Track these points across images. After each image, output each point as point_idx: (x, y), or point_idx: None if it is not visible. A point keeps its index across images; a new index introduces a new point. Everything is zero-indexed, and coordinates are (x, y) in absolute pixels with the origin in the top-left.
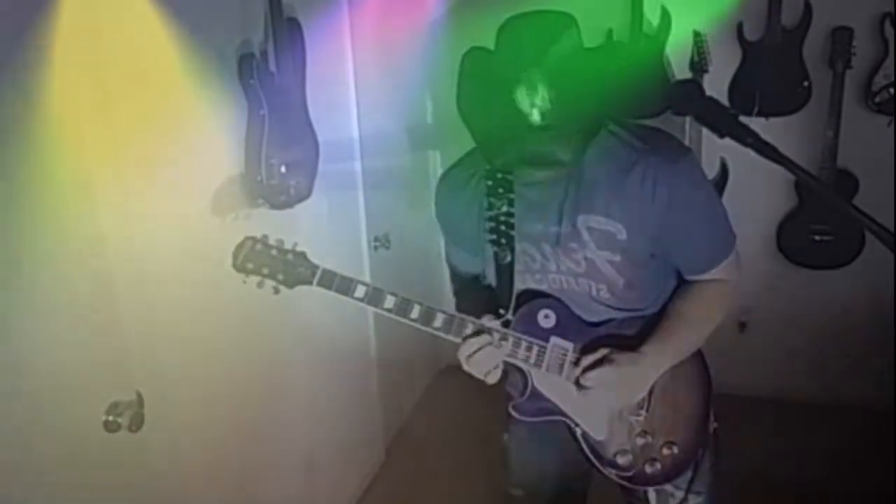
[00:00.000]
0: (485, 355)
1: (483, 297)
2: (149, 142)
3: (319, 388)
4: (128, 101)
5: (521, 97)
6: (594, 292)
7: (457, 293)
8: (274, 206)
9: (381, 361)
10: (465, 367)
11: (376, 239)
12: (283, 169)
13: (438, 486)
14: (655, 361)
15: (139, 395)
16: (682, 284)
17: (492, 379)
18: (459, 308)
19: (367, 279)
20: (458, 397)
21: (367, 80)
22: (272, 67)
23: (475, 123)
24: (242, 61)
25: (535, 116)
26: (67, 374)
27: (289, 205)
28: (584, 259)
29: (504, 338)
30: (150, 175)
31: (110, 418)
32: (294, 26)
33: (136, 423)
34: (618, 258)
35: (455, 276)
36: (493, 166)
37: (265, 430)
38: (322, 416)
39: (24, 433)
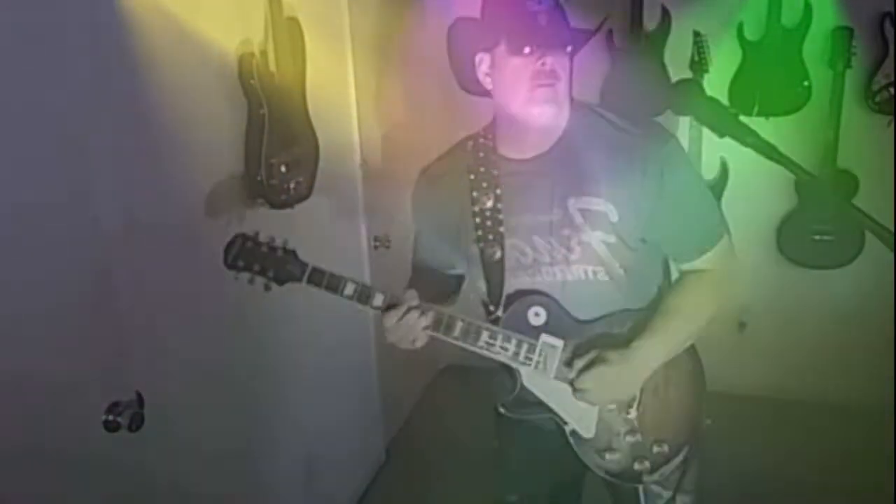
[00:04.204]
0: (407, 324)
1: (441, 286)
2: (149, 141)
3: (319, 388)
4: (128, 101)
5: None
6: (591, 276)
7: (414, 284)
8: (274, 206)
9: (381, 361)
10: (388, 339)
11: (376, 239)
12: (282, 168)
13: (438, 486)
14: (648, 357)
15: (139, 395)
16: (674, 282)
17: (418, 344)
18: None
19: (367, 279)
20: (458, 397)
21: (366, 80)
22: (272, 67)
23: None
24: (242, 61)
25: None
26: (68, 373)
27: (289, 204)
28: (578, 244)
29: (446, 319)
30: (150, 174)
31: (110, 418)
32: (294, 26)
33: (136, 423)
34: (612, 239)
35: (421, 269)
36: None
37: (265, 430)
38: (322, 417)
39: (24, 433)
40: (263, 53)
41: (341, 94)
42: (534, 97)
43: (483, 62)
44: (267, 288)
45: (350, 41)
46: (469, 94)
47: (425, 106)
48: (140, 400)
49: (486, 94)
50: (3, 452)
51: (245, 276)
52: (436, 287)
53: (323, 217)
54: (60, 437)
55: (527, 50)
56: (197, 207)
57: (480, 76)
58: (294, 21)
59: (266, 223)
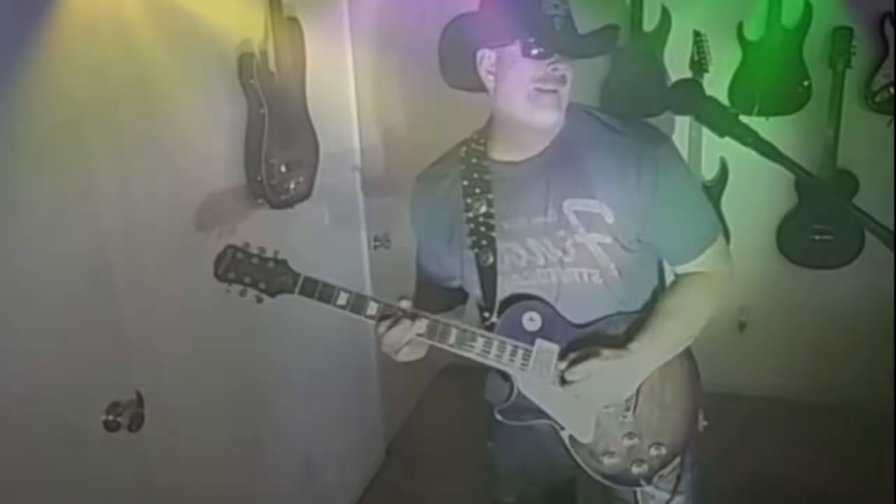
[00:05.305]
0: (400, 332)
1: (445, 299)
2: (149, 141)
3: (319, 388)
4: (128, 101)
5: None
6: (585, 279)
7: (417, 297)
8: (274, 206)
9: (380, 361)
10: (383, 348)
11: (376, 238)
12: (283, 168)
13: (438, 486)
14: (643, 358)
15: (139, 395)
16: (669, 285)
17: (415, 355)
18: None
19: (368, 278)
20: (458, 397)
21: (366, 80)
22: (272, 67)
23: None
24: (242, 61)
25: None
26: (67, 374)
27: (289, 204)
28: (573, 246)
29: (444, 329)
30: (151, 174)
31: (110, 418)
32: (294, 26)
33: (136, 423)
34: (608, 240)
35: (422, 278)
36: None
37: (265, 430)
38: (322, 417)
39: (24, 433)
40: (263, 53)
41: (341, 94)
42: (538, 101)
43: (486, 59)
44: (259, 300)
45: (350, 41)
46: (455, 88)
47: (426, 105)
48: (140, 400)
49: (476, 89)
50: (3, 452)
51: (236, 287)
52: (441, 301)
53: (323, 217)
54: (61, 437)
55: (537, 52)
56: (197, 207)
57: (482, 73)
58: (294, 21)
59: (266, 223)
